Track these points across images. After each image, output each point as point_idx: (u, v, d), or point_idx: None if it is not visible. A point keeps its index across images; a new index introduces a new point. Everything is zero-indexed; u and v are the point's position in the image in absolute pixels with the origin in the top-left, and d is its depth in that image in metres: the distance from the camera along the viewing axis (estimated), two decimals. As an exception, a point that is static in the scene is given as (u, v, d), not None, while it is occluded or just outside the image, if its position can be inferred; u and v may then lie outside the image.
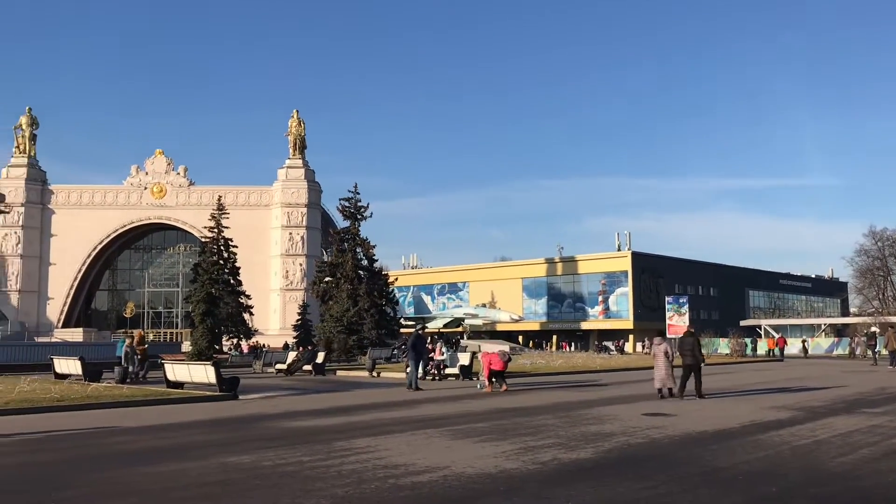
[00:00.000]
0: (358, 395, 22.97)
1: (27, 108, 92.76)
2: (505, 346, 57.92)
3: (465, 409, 17.90)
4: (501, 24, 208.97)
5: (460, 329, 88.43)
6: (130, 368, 27.85)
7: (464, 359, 29.93)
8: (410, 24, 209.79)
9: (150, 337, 77.01)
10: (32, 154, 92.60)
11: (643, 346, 75.93)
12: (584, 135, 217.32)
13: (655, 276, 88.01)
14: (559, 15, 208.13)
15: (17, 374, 28.70)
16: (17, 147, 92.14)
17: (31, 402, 18.85)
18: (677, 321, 57.51)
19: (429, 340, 39.12)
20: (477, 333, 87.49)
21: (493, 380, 23.38)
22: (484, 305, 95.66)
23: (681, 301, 59.67)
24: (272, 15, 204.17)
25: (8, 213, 77.40)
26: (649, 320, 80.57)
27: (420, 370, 25.65)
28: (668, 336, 37.13)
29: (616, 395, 21.53)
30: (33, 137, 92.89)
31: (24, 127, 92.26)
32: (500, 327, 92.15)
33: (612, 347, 76.58)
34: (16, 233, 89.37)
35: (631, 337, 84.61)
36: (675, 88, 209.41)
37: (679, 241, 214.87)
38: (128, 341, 29.93)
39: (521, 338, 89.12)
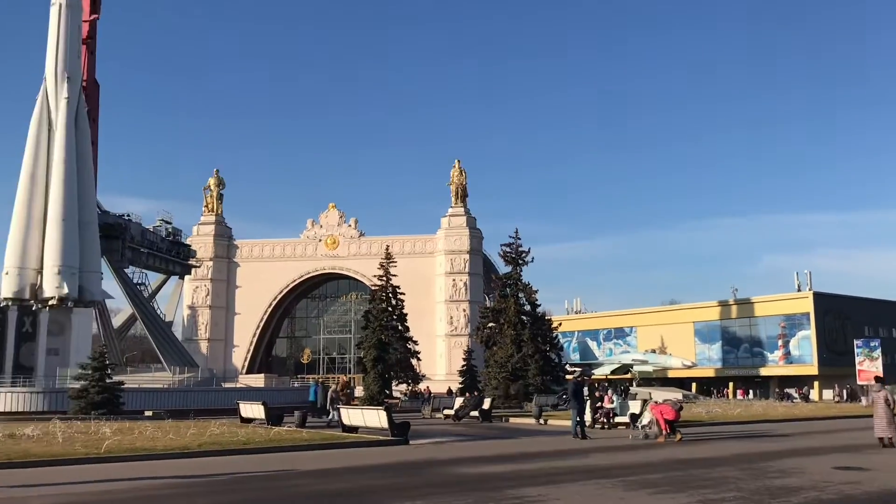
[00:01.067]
0: (525, 442, 22.82)
1: (215, 170, 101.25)
2: (677, 394, 55.57)
3: (637, 459, 17.32)
4: (665, 77, 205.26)
5: (629, 376, 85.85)
6: (332, 414, 29.03)
7: (634, 407, 29.01)
8: (562, 79, 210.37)
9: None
10: (220, 212, 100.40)
11: (834, 394, 70.31)
12: (762, 169, 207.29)
13: (842, 318, 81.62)
14: (761, 56, 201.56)
15: (207, 419, 30.80)
16: (206, 206, 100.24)
17: (220, 444, 20.16)
18: (868, 366, 52.91)
19: (596, 388, 38.28)
20: (647, 380, 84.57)
21: (666, 429, 22.50)
22: (653, 351, 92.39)
23: (871, 345, 54.91)
24: (428, 74, 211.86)
25: (198, 267, 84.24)
26: (836, 365, 74.66)
27: (588, 418, 25.10)
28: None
29: (802, 447, 20.07)
30: (220, 196, 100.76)
31: (212, 187, 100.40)
32: (671, 374, 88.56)
33: (796, 395, 71.45)
34: (205, 285, 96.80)
35: (816, 383, 78.63)
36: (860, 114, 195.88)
37: (866, 280, 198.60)
38: (333, 386, 31.79)
39: (694, 385, 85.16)
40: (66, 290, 46.74)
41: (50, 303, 47.23)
